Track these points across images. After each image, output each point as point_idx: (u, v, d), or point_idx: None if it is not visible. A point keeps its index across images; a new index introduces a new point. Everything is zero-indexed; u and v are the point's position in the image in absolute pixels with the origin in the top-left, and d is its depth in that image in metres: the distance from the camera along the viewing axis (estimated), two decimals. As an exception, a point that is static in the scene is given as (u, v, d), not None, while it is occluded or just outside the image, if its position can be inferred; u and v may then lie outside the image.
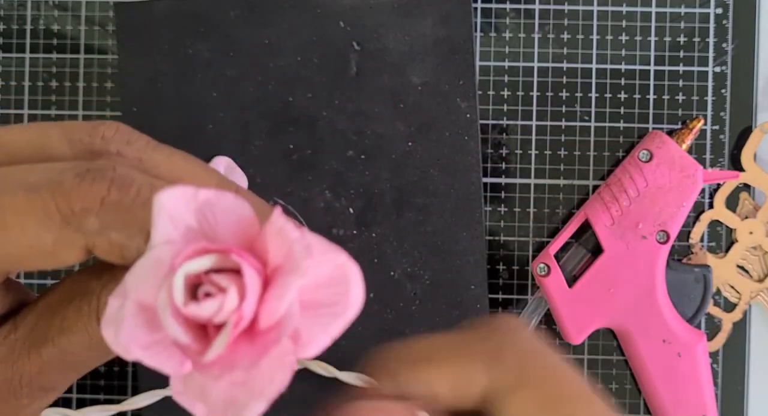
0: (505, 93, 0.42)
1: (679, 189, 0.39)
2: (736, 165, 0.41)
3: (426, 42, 0.41)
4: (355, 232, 0.41)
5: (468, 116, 0.40)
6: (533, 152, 0.41)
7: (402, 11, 0.41)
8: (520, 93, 0.42)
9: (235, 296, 0.16)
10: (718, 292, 0.41)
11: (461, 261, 0.40)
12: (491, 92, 0.41)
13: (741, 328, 0.41)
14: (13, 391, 0.21)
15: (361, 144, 0.41)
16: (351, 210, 0.41)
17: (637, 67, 0.41)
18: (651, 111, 0.41)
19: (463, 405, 0.19)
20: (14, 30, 0.43)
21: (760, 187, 0.41)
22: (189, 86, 0.41)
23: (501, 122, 0.41)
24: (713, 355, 0.41)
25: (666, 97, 0.41)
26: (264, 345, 0.17)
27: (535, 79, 0.42)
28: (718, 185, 0.41)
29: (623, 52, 0.41)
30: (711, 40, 0.41)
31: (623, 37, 0.41)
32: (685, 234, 0.41)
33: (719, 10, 0.41)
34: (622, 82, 0.41)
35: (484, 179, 0.41)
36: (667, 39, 0.41)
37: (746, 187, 0.41)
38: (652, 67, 0.41)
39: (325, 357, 0.42)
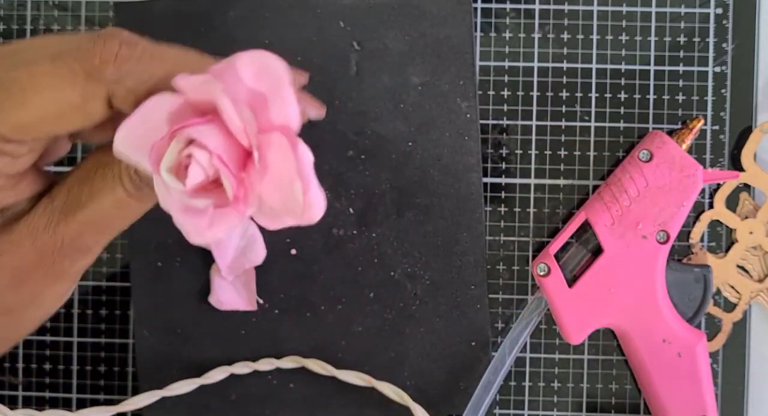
0: (505, 93, 0.42)
1: (679, 189, 0.39)
2: (736, 165, 0.41)
3: (426, 42, 0.41)
4: (355, 232, 0.41)
5: (468, 116, 0.40)
6: (533, 152, 0.41)
7: (402, 11, 0.41)
8: (520, 93, 0.42)
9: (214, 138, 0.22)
10: (718, 292, 0.41)
11: (461, 261, 0.40)
12: (491, 92, 0.41)
13: (741, 328, 0.41)
14: (57, 254, 0.25)
15: (361, 144, 0.41)
16: (351, 210, 0.41)
17: (637, 67, 0.41)
18: (651, 111, 0.41)
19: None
20: (14, 30, 0.43)
21: (760, 187, 0.41)
22: (189, 86, 0.41)
23: (501, 122, 0.41)
24: (713, 355, 0.41)
25: (666, 97, 0.41)
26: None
27: (535, 79, 0.42)
28: (718, 185, 0.41)
29: (623, 52, 0.41)
30: (711, 40, 0.41)
31: (623, 37, 0.41)
32: (685, 234, 0.41)
33: (719, 10, 0.41)
34: (622, 82, 0.41)
35: (484, 179, 0.41)
36: (667, 39, 0.41)
37: (746, 187, 0.41)
38: (652, 67, 0.41)
39: (324, 355, 0.42)
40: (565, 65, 0.41)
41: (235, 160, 0.22)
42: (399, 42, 0.41)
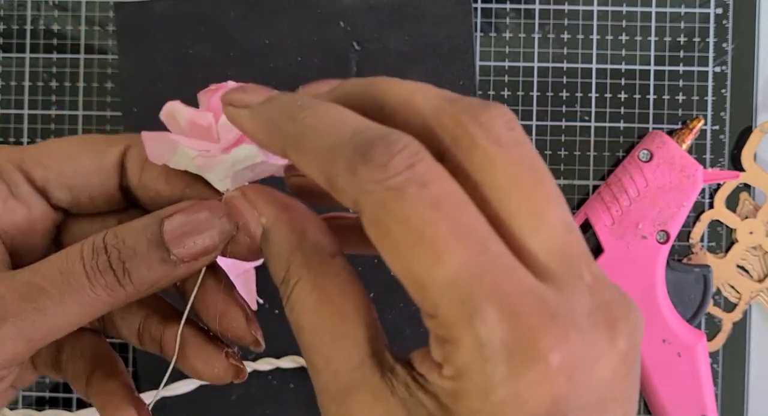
0: (505, 93, 0.42)
1: (679, 189, 0.39)
2: (736, 165, 0.41)
3: (426, 42, 0.41)
4: (355, 232, 0.41)
5: (468, 116, 0.40)
6: (533, 152, 0.41)
7: (402, 11, 0.41)
8: (520, 93, 0.42)
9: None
10: (718, 292, 0.41)
11: (461, 261, 0.40)
12: (491, 92, 0.41)
13: (741, 328, 0.41)
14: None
15: (361, 144, 0.41)
16: (351, 210, 0.41)
17: (637, 67, 0.41)
18: (651, 111, 0.41)
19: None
20: (14, 30, 0.43)
21: (760, 187, 0.41)
22: (189, 86, 0.41)
23: (501, 122, 0.41)
24: (713, 355, 0.41)
25: (666, 97, 0.41)
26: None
27: (535, 79, 0.42)
28: (718, 185, 0.41)
29: (623, 52, 0.41)
30: (711, 40, 0.41)
31: (623, 37, 0.41)
32: (685, 234, 0.41)
33: (719, 10, 0.41)
34: (622, 82, 0.41)
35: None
36: (667, 39, 0.41)
37: (746, 187, 0.41)
38: (652, 67, 0.41)
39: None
40: (565, 65, 0.41)
41: None
42: (399, 42, 0.41)
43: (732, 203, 0.41)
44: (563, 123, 0.41)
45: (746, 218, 0.41)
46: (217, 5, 0.41)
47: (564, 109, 0.41)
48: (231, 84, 0.24)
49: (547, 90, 0.41)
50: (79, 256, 0.21)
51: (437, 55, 0.41)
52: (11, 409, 0.41)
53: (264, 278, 0.41)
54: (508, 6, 0.42)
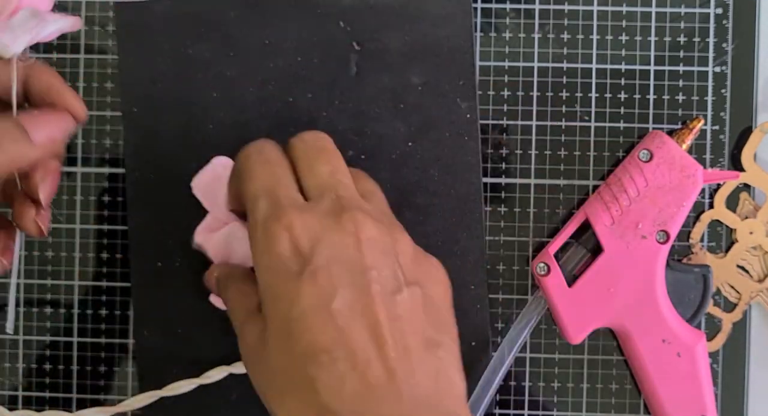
0: (505, 93, 0.42)
1: (679, 189, 0.39)
2: (736, 165, 0.41)
3: (426, 42, 0.41)
4: (355, 232, 0.40)
5: (468, 116, 0.40)
6: (533, 152, 0.41)
7: (402, 11, 0.41)
8: (520, 93, 0.42)
9: None
10: (718, 292, 0.41)
11: (461, 261, 0.40)
12: (491, 92, 0.41)
13: (741, 328, 0.41)
14: None
15: (361, 144, 0.41)
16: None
17: (637, 67, 0.41)
18: (651, 111, 0.41)
19: None
20: (14, 30, 0.43)
21: (761, 187, 0.41)
22: (189, 86, 0.41)
23: (501, 122, 0.41)
24: (713, 355, 0.41)
25: (666, 97, 0.41)
26: None
27: (535, 79, 0.42)
28: (718, 185, 0.41)
29: (623, 52, 0.41)
30: (711, 40, 0.41)
31: (623, 37, 0.41)
32: (685, 234, 0.41)
33: (719, 10, 0.41)
34: (622, 82, 0.41)
35: (484, 179, 0.41)
36: (667, 39, 0.41)
37: (746, 187, 0.41)
38: (652, 67, 0.41)
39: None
40: (565, 65, 0.41)
41: None
42: (399, 42, 0.41)
43: (732, 203, 0.41)
44: (563, 123, 0.41)
45: (746, 218, 0.41)
46: (217, 5, 0.41)
47: (564, 109, 0.41)
48: None
49: (547, 90, 0.41)
50: None
51: (437, 55, 0.41)
52: (10, 409, 0.41)
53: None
54: (508, 6, 0.42)
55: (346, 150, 0.41)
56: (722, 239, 0.41)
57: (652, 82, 0.41)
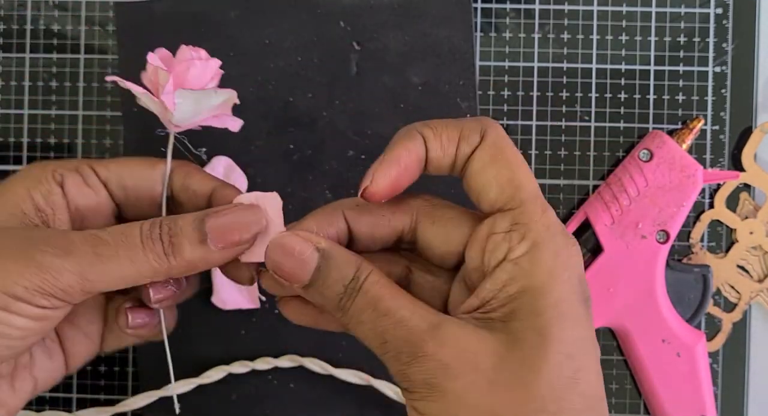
0: (505, 93, 0.42)
1: (679, 189, 0.39)
2: (736, 165, 0.41)
3: (426, 42, 0.41)
4: (355, 232, 0.41)
5: (468, 115, 0.40)
6: (533, 151, 0.41)
7: (402, 11, 0.41)
8: (520, 93, 0.42)
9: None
10: (718, 292, 0.41)
11: (461, 261, 0.40)
12: (491, 92, 0.41)
13: (741, 328, 0.41)
14: None
15: (361, 144, 0.41)
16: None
17: (637, 67, 0.41)
18: (651, 111, 0.41)
19: (444, 162, 0.27)
20: (14, 30, 0.43)
21: (761, 187, 0.41)
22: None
23: (501, 122, 0.41)
24: (713, 355, 0.41)
25: (666, 97, 0.41)
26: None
27: (535, 79, 0.42)
28: (718, 185, 0.41)
29: (623, 52, 0.41)
30: (711, 40, 0.41)
31: (623, 37, 0.41)
32: (685, 234, 0.41)
33: (719, 10, 0.41)
34: (622, 82, 0.41)
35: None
36: (667, 39, 0.41)
37: (746, 187, 0.41)
38: (652, 67, 0.41)
39: (325, 356, 0.42)
40: (565, 65, 0.41)
41: None
42: (399, 42, 0.41)
43: (732, 203, 0.41)
44: (563, 123, 0.41)
45: (746, 218, 0.41)
46: (217, 5, 0.41)
47: (564, 109, 0.41)
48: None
49: (547, 90, 0.41)
50: (139, 226, 0.27)
51: (437, 55, 0.41)
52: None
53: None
54: (508, 6, 0.42)
55: (346, 150, 0.41)
56: (722, 239, 0.41)
57: (652, 82, 0.41)
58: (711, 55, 0.41)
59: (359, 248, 0.28)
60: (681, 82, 0.41)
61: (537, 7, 0.42)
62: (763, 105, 0.41)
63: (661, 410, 0.39)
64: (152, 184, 0.31)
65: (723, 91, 0.41)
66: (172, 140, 0.30)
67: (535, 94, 0.42)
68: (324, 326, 0.29)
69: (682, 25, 0.41)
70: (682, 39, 0.41)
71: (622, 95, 0.41)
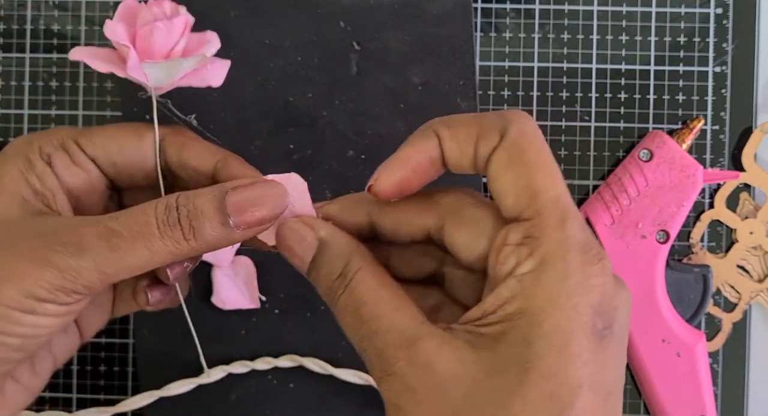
0: (505, 93, 0.42)
1: (679, 189, 0.39)
2: (736, 165, 0.41)
3: (426, 42, 0.41)
4: (355, 232, 0.41)
5: (468, 115, 0.40)
6: (533, 152, 0.41)
7: (402, 11, 0.41)
8: (520, 93, 0.42)
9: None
10: (718, 292, 0.41)
11: (461, 261, 0.40)
12: (491, 92, 0.41)
13: (741, 328, 0.41)
14: None
15: (361, 144, 0.41)
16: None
17: (637, 67, 0.41)
18: (651, 111, 0.41)
19: (463, 163, 0.24)
20: (14, 30, 0.43)
21: (761, 187, 0.41)
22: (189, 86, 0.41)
23: (501, 121, 0.41)
24: (713, 355, 0.41)
25: (666, 97, 0.41)
26: None
27: (535, 79, 0.42)
28: (719, 185, 0.41)
29: (623, 52, 0.41)
30: (711, 40, 0.41)
31: (623, 37, 0.41)
32: (685, 234, 0.41)
33: (719, 10, 0.41)
34: (622, 82, 0.41)
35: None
36: (667, 39, 0.41)
37: (746, 187, 0.41)
38: (652, 67, 0.41)
39: (325, 355, 0.42)
40: (565, 65, 0.41)
41: None
42: (399, 42, 0.41)
43: (732, 203, 0.41)
44: (563, 123, 0.41)
45: (746, 218, 0.41)
46: (217, 5, 0.41)
47: (564, 109, 0.41)
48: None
49: (547, 90, 0.41)
50: (153, 211, 0.25)
51: (437, 55, 0.41)
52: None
53: (264, 279, 0.41)
54: (508, 6, 0.42)
55: (346, 150, 0.41)
56: (722, 239, 0.41)
57: (652, 82, 0.41)
58: (711, 55, 0.41)
59: (385, 241, 0.27)
60: (681, 82, 0.41)
61: (537, 7, 0.42)
62: (763, 105, 0.41)
63: (661, 410, 0.39)
64: (143, 157, 0.29)
65: (723, 91, 0.41)
66: (155, 103, 0.28)
67: (535, 94, 0.42)
68: None
69: (682, 25, 0.41)
70: (682, 39, 0.41)
71: (622, 95, 0.41)
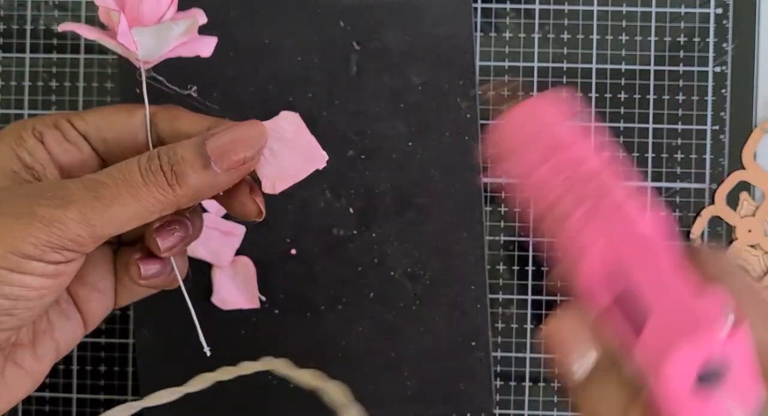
0: (505, 93, 0.42)
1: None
2: (736, 165, 0.41)
3: (426, 42, 0.41)
4: (355, 232, 0.41)
5: (468, 116, 0.40)
6: (533, 151, 0.41)
7: (402, 11, 0.41)
8: (520, 93, 0.42)
9: None
10: (718, 292, 0.41)
11: (461, 261, 0.40)
12: (491, 92, 0.41)
13: (741, 328, 0.41)
14: None
15: (361, 144, 0.41)
16: (351, 210, 0.41)
17: (637, 67, 0.41)
18: (651, 111, 0.41)
19: None
20: (14, 30, 0.43)
21: (760, 186, 0.41)
22: (188, 86, 0.41)
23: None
24: (713, 355, 0.41)
25: (666, 97, 0.41)
26: None
27: (535, 79, 0.42)
28: (719, 183, 0.41)
29: (623, 52, 0.41)
30: (711, 40, 0.41)
31: (623, 37, 0.41)
32: (684, 233, 0.41)
33: (719, 10, 0.41)
34: (622, 82, 0.41)
35: (484, 179, 0.41)
36: (667, 39, 0.41)
37: (746, 185, 0.41)
38: (652, 67, 0.41)
39: (325, 356, 0.42)
40: (565, 65, 0.41)
41: None
42: (399, 42, 0.41)
43: (732, 202, 0.41)
44: (563, 123, 0.41)
45: (746, 216, 0.41)
46: (217, 5, 0.41)
47: (564, 109, 0.41)
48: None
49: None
50: (136, 161, 0.25)
51: (437, 55, 0.41)
52: (9, 413, 0.41)
53: (264, 279, 0.41)
54: (508, 6, 0.42)
55: (346, 150, 0.41)
56: (722, 238, 0.41)
57: (652, 82, 0.41)
58: (711, 55, 0.41)
59: None
60: (681, 82, 0.41)
61: (537, 7, 0.42)
62: (763, 105, 0.41)
63: None
64: (134, 134, 0.28)
65: (723, 91, 0.41)
66: (144, 75, 0.28)
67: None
68: None
69: (682, 25, 0.41)
70: (682, 39, 0.41)
71: (622, 95, 0.41)
